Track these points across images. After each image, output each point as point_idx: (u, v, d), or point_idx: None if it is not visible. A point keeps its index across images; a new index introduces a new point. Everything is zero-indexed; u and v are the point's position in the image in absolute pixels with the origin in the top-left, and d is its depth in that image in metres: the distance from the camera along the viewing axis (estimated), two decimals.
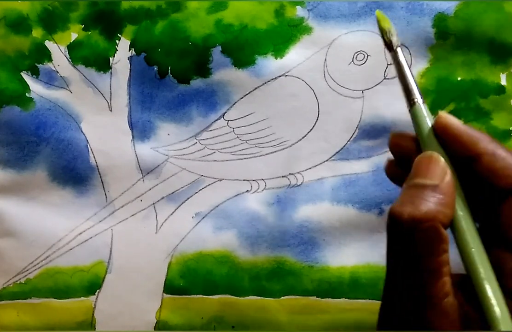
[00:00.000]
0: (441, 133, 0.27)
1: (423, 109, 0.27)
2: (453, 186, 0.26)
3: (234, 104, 0.38)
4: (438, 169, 0.26)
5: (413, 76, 0.28)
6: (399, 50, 0.29)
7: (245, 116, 0.38)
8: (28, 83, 0.38)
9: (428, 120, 0.27)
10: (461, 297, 0.25)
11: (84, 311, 0.38)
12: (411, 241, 0.25)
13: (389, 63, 0.37)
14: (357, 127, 0.38)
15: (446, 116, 0.26)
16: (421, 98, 0.27)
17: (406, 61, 0.28)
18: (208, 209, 0.38)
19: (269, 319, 0.38)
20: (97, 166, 0.38)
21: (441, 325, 0.25)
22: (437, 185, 0.25)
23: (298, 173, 0.38)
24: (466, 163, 0.26)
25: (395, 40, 0.29)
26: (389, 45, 0.29)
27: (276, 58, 0.37)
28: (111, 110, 0.39)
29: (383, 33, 0.30)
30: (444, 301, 0.25)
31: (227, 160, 0.38)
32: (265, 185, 0.38)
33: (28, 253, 0.38)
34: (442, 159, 0.26)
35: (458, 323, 0.25)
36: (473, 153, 0.26)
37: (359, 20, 0.37)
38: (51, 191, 0.39)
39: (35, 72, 0.38)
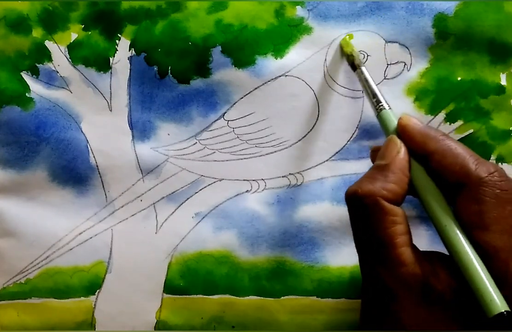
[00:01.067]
0: (401, 133, 0.30)
1: (389, 113, 0.31)
2: (404, 165, 0.29)
3: (234, 104, 0.38)
4: (392, 150, 0.29)
5: (377, 87, 0.33)
6: (363, 68, 0.35)
7: (245, 116, 0.38)
8: (28, 83, 0.38)
9: (394, 123, 0.31)
10: (428, 268, 0.27)
11: (84, 311, 0.38)
12: (360, 216, 0.28)
13: (389, 63, 0.37)
14: (357, 127, 0.38)
15: (406, 118, 0.30)
16: (387, 104, 0.32)
17: (370, 75, 0.34)
18: (208, 209, 0.38)
19: (269, 319, 0.38)
20: (97, 166, 0.38)
21: (401, 293, 0.27)
22: (387, 164, 0.29)
23: (298, 173, 0.38)
24: (424, 160, 0.29)
25: (357, 60, 0.35)
26: (353, 66, 0.35)
27: (276, 58, 0.37)
28: (111, 110, 0.39)
29: (347, 57, 0.36)
30: (402, 269, 0.27)
31: (227, 160, 0.38)
32: (265, 185, 0.38)
33: (28, 253, 0.38)
34: (397, 140, 0.29)
35: (419, 292, 0.27)
36: (425, 152, 0.28)
37: (359, 20, 0.37)
38: (51, 191, 0.39)
39: (35, 72, 0.38)
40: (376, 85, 0.34)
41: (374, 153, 0.32)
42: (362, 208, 0.28)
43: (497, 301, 0.25)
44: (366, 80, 0.34)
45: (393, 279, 0.27)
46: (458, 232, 0.27)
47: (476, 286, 0.26)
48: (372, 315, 0.29)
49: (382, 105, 0.32)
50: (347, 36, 0.37)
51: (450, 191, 0.28)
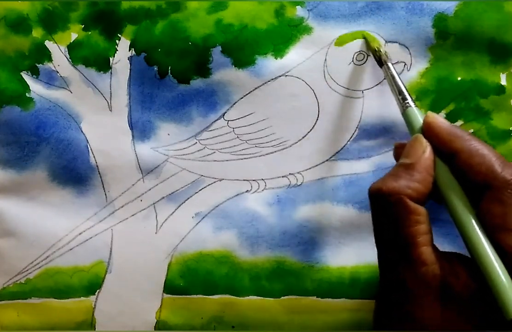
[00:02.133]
0: (426, 131, 0.30)
1: (415, 111, 0.31)
2: (429, 164, 0.28)
3: (234, 104, 0.38)
4: (417, 149, 0.29)
5: (403, 83, 0.33)
6: (389, 64, 0.34)
7: (245, 116, 0.38)
8: (28, 83, 0.38)
9: (419, 121, 0.30)
10: (447, 268, 0.27)
11: (84, 311, 0.38)
12: (384, 214, 0.28)
13: None
14: (357, 127, 0.38)
15: (432, 115, 0.30)
16: (413, 101, 0.32)
17: (396, 72, 0.34)
18: (208, 209, 0.38)
19: (269, 319, 0.38)
20: (97, 165, 0.38)
21: (420, 292, 0.27)
22: (412, 163, 0.28)
23: (298, 173, 0.38)
24: (450, 159, 0.29)
25: (384, 56, 0.35)
26: (379, 62, 0.35)
27: (276, 58, 0.37)
28: (111, 110, 0.39)
29: (373, 52, 0.36)
30: (423, 269, 0.27)
31: (227, 160, 0.38)
32: (265, 185, 0.38)
33: (28, 253, 0.38)
34: (423, 139, 0.29)
35: (437, 291, 0.27)
36: (452, 150, 0.28)
37: (359, 20, 0.37)
38: (51, 191, 0.39)
39: (35, 72, 0.38)
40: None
41: (398, 150, 0.32)
42: (386, 205, 0.28)
43: None
44: (393, 77, 0.34)
45: (413, 277, 0.27)
46: (480, 233, 0.27)
47: (496, 288, 0.26)
48: (388, 312, 0.29)
49: (408, 102, 0.32)
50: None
51: (474, 192, 0.28)
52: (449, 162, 0.29)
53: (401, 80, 0.33)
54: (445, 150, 0.29)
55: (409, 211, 0.27)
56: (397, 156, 0.32)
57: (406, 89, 0.33)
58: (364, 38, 0.37)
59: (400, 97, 0.32)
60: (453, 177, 0.29)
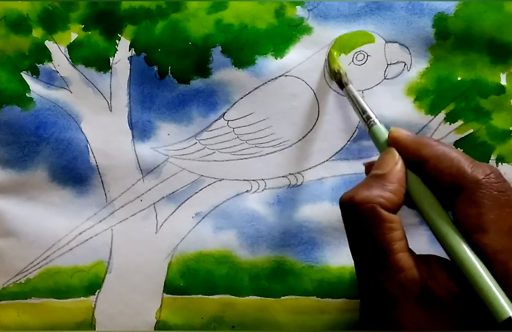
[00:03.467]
0: (393, 145, 0.30)
1: (381, 127, 0.32)
2: (401, 176, 0.29)
3: (234, 104, 0.38)
4: (390, 161, 0.29)
5: (365, 102, 0.33)
6: (350, 86, 0.35)
7: (245, 116, 0.38)
8: (28, 83, 0.38)
9: (385, 136, 0.31)
10: (426, 272, 0.27)
11: (84, 311, 0.38)
12: (357, 223, 0.28)
13: (389, 63, 0.37)
14: (357, 127, 0.38)
15: (396, 130, 0.30)
16: (376, 118, 0.32)
17: (357, 92, 0.34)
18: (208, 209, 0.38)
19: (269, 319, 0.38)
20: (97, 165, 0.38)
21: (400, 298, 0.27)
22: (384, 173, 0.29)
23: (298, 173, 0.38)
24: (420, 168, 0.29)
25: (344, 78, 0.35)
26: (340, 83, 0.35)
27: (276, 58, 0.37)
28: (111, 110, 0.39)
29: (333, 74, 0.36)
30: (401, 275, 0.27)
31: (227, 160, 0.38)
32: (265, 185, 0.38)
33: (28, 253, 0.38)
34: (396, 152, 0.30)
35: (417, 295, 0.27)
36: (420, 158, 0.29)
37: (359, 20, 0.37)
38: (51, 191, 0.39)
39: (35, 72, 0.38)
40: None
41: (369, 168, 0.32)
42: (358, 215, 0.28)
43: (505, 306, 0.25)
44: (355, 98, 0.34)
45: (393, 285, 0.27)
46: (459, 238, 0.27)
47: (483, 292, 0.26)
48: (371, 320, 0.29)
49: (372, 120, 0.32)
50: (335, 52, 0.37)
51: (446, 196, 0.28)
52: (419, 171, 0.29)
53: (363, 99, 0.34)
54: (413, 160, 0.29)
55: (382, 219, 0.27)
56: (367, 173, 0.32)
57: (369, 107, 0.33)
58: (326, 59, 0.37)
59: (364, 116, 0.33)
60: (425, 186, 0.29)
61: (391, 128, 0.31)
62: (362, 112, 0.33)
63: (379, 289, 0.27)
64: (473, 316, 0.26)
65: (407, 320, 0.27)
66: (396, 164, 0.29)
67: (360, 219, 0.28)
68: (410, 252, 0.28)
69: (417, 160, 0.29)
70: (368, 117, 0.32)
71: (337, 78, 0.36)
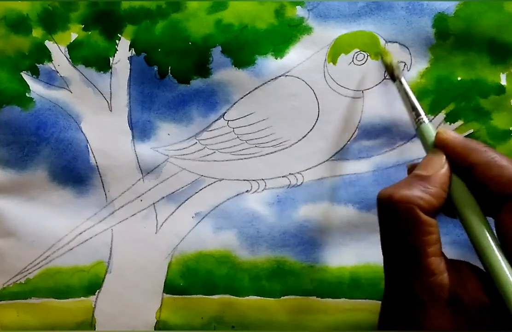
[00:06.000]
0: (440, 147, 0.29)
1: (429, 127, 0.31)
2: (445, 181, 0.28)
3: (234, 104, 0.38)
4: (436, 164, 0.29)
5: (417, 98, 0.32)
6: (402, 79, 0.34)
7: (245, 116, 0.38)
8: (28, 83, 0.38)
9: (433, 137, 0.30)
10: (456, 278, 0.27)
11: (84, 311, 0.38)
12: (393, 221, 0.27)
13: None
14: (357, 127, 0.38)
15: (444, 131, 0.30)
16: (426, 117, 0.31)
17: (409, 87, 0.33)
18: (208, 209, 0.38)
19: (269, 319, 0.38)
20: (97, 165, 0.38)
21: (428, 301, 0.27)
22: (428, 175, 0.28)
23: (298, 173, 0.38)
24: (466, 173, 0.28)
25: (397, 71, 0.34)
26: (392, 76, 0.35)
27: (276, 58, 0.37)
28: (111, 110, 0.39)
29: (386, 67, 0.36)
30: (431, 279, 0.27)
31: (227, 160, 0.38)
32: (265, 185, 0.38)
33: (28, 253, 0.38)
34: (443, 157, 0.29)
35: (445, 301, 0.27)
36: (468, 164, 0.28)
37: (359, 20, 0.37)
38: (51, 191, 0.39)
39: (35, 72, 0.38)
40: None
41: (411, 170, 0.31)
42: (396, 213, 0.27)
43: None
44: (406, 93, 0.33)
45: (422, 287, 0.27)
46: (497, 252, 0.27)
47: None
48: (393, 319, 0.28)
49: (421, 118, 0.31)
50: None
51: (492, 204, 0.28)
52: (464, 176, 0.28)
53: (414, 96, 0.33)
54: (461, 164, 0.28)
55: (420, 221, 0.27)
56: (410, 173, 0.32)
57: (420, 104, 0.32)
58: (380, 52, 0.37)
59: (413, 113, 0.32)
60: (469, 192, 0.28)
61: (439, 128, 0.30)
62: (412, 108, 0.32)
63: (408, 290, 0.27)
64: (500, 328, 0.26)
65: (431, 324, 0.27)
66: (441, 168, 0.28)
67: (397, 218, 0.27)
68: (443, 256, 0.28)
69: (464, 165, 0.28)
70: (418, 115, 0.32)
71: (389, 71, 0.35)
